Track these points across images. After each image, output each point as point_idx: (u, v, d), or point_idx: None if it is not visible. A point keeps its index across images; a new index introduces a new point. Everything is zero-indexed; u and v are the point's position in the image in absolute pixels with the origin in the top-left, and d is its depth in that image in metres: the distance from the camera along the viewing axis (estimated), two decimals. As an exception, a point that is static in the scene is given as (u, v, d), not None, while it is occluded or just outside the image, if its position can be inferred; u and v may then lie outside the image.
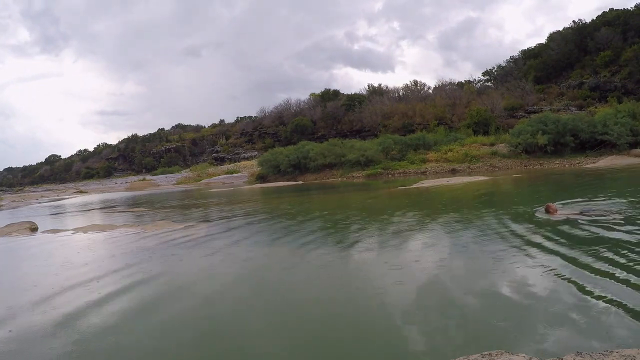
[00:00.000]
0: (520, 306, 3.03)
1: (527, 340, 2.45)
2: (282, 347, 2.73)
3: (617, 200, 7.67)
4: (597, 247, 4.42)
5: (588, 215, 6.13)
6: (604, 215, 6.07)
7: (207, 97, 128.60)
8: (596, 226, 5.42)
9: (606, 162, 20.24)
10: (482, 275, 3.87)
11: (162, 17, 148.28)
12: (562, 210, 6.62)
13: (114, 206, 17.14)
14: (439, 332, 2.73)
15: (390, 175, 25.42)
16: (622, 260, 3.88)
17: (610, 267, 3.75)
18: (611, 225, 5.39)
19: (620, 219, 5.73)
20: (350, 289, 3.84)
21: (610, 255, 4.10)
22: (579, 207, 7.02)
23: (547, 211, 6.56)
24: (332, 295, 3.71)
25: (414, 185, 15.65)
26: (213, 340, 2.90)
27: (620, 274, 3.53)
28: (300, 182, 26.82)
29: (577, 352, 1.89)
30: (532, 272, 3.78)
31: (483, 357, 1.91)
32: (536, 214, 6.72)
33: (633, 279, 3.37)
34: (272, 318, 3.24)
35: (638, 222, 5.49)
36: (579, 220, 5.83)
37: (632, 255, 4.00)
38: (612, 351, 1.83)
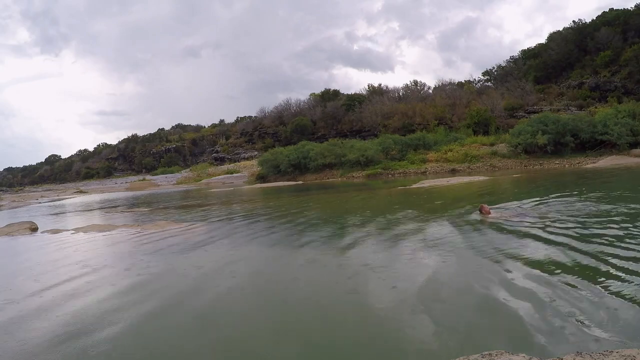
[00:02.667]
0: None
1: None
2: (274, 343, 2.74)
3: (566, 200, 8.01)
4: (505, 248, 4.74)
5: (516, 217, 6.51)
6: (531, 217, 6.39)
7: (206, 97, 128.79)
8: (519, 227, 5.80)
9: (606, 162, 20.24)
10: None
11: (161, 18, 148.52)
12: (495, 213, 6.93)
13: (114, 206, 17.14)
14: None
15: (390, 176, 25.42)
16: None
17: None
18: (530, 228, 5.69)
19: (546, 222, 5.96)
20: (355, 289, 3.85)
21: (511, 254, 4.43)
22: (515, 209, 7.43)
23: (481, 212, 6.86)
24: (323, 290, 3.73)
25: (414, 186, 15.65)
26: (210, 341, 2.90)
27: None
28: (300, 182, 26.83)
29: (577, 352, 1.89)
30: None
31: (483, 357, 1.91)
32: (472, 215, 7.06)
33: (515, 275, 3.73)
34: (269, 318, 3.24)
35: (561, 226, 5.63)
36: (504, 222, 6.22)
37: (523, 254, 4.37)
38: (612, 351, 1.83)
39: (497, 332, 2.66)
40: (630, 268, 3.60)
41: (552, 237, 5.05)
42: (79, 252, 6.37)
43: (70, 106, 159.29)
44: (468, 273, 3.92)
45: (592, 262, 3.88)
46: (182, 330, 3.04)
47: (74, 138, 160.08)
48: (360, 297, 3.52)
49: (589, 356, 1.80)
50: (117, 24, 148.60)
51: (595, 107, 30.96)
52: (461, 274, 3.95)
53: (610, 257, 3.95)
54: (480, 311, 3.01)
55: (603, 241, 4.57)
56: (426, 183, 16.28)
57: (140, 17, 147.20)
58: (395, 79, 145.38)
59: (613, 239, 4.60)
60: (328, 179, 27.71)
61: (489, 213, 6.77)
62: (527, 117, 30.16)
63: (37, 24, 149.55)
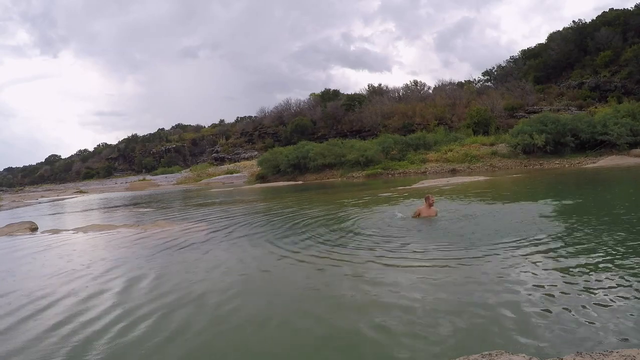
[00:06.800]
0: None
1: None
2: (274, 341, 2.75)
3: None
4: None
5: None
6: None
7: (206, 98, 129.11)
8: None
9: (606, 162, 20.24)
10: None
11: (159, 18, 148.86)
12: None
13: (114, 206, 17.14)
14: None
15: (390, 175, 25.43)
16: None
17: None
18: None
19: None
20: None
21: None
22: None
23: (426, 201, 7.25)
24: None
25: (414, 186, 15.63)
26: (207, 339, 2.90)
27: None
28: (300, 182, 26.83)
29: (577, 352, 1.89)
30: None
31: (483, 357, 1.91)
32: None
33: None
34: (268, 316, 3.25)
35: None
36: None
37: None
38: (612, 351, 1.83)
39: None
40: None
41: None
42: (78, 253, 6.37)
43: (70, 106, 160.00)
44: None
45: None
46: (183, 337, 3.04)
47: (74, 138, 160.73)
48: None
49: (589, 356, 1.80)
50: (116, 24, 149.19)
51: (595, 107, 30.97)
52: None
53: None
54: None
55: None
56: (425, 183, 16.27)
57: (139, 18, 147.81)
58: (393, 79, 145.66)
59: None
60: (328, 179, 27.70)
61: (431, 206, 7.15)
62: (527, 117, 30.17)
63: (36, 26, 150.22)
